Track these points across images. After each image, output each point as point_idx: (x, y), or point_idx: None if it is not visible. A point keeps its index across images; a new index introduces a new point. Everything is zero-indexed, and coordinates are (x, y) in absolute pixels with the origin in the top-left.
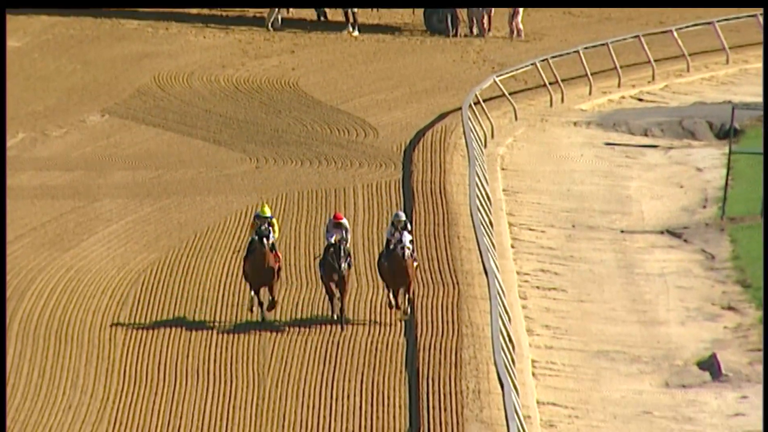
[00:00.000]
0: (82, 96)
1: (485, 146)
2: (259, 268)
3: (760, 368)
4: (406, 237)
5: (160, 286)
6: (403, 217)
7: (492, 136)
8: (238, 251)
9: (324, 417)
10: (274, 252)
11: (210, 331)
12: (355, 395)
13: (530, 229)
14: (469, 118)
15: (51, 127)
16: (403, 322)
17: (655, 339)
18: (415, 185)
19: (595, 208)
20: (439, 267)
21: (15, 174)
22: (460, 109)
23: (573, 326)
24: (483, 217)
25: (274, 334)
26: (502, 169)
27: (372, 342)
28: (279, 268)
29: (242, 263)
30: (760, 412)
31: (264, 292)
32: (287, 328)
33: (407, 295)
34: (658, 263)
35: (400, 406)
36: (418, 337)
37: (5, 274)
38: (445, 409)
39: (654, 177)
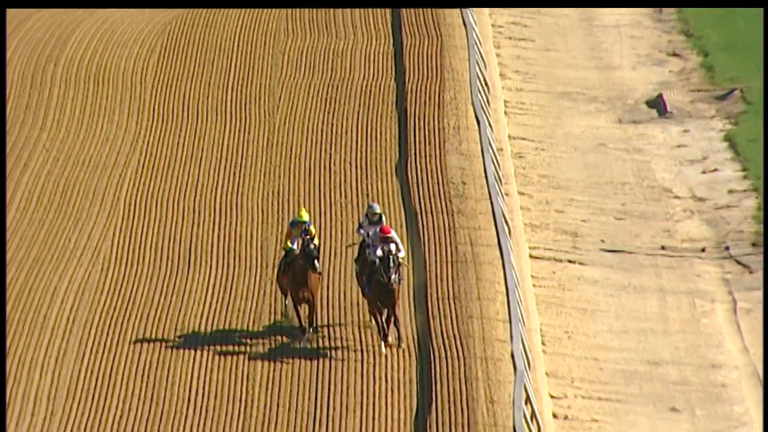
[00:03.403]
0: None
1: None
2: (303, 286)
3: (700, 106)
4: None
5: (183, 36)
6: (378, 210)
7: None
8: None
9: (323, 146)
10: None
11: (226, 76)
12: (351, 131)
13: None
14: None
15: None
16: (393, 70)
17: (610, 82)
18: None
19: None
20: (424, 20)
21: None
22: None
23: (540, 72)
24: None
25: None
26: None
27: (366, 86)
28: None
29: (278, 275)
30: (700, 144)
31: (303, 311)
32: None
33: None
34: (614, 16)
35: (390, 140)
36: (406, 81)
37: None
38: (430, 143)
39: None
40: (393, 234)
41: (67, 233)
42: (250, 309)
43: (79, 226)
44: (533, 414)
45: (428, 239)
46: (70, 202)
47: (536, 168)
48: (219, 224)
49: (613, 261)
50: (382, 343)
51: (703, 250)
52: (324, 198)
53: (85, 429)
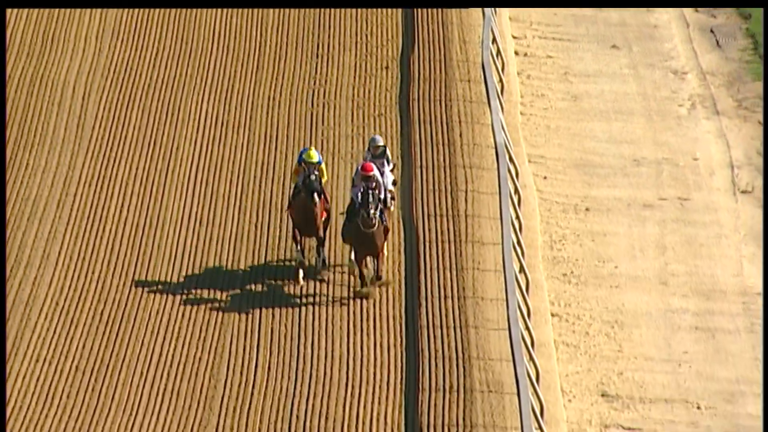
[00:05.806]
0: None
1: None
2: (305, 219)
3: None
4: (389, 178)
5: None
6: (381, 142)
7: None
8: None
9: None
10: (322, 198)
11: None
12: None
13: None
14: None
15: None
16: None
17: None
18: None
19: None
20: None
21: None
22: None
23: None
24: None
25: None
26: None
27: None
28: (327, 218)
29: (288, 209)
30: None
31: (310, 242)
32: None
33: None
34: None
35: None
36: None
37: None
38: None
39: None
40: (375, 172)
41: None
42: None
43: None
44: (498, 51)
45: None
46: None
47: None
48: None
49: None
50: (359, 282)
51: None
52: None
53: (115, 109)
